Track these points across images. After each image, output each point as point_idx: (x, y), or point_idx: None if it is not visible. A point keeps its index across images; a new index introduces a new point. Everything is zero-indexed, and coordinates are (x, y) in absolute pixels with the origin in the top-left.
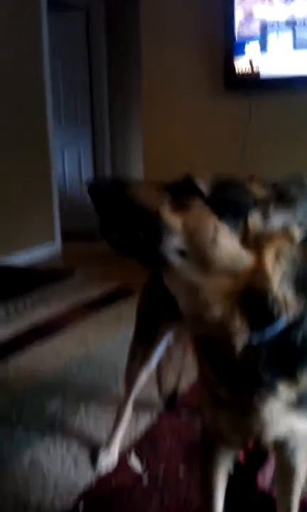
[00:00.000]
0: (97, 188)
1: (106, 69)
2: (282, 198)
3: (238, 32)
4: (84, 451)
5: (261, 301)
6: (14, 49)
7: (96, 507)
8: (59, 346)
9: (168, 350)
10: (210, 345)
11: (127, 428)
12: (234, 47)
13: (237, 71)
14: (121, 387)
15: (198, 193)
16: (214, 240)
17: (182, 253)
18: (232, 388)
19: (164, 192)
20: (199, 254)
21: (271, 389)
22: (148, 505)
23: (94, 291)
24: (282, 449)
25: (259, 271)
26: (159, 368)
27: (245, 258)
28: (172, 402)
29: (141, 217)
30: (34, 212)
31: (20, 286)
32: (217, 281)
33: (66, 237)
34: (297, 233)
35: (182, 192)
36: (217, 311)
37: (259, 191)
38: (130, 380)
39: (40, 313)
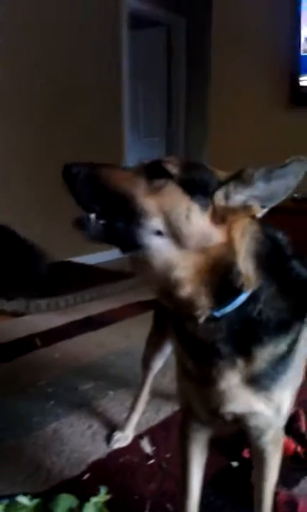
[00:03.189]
0: (70, 171)
1: (185, 84)
2: (240, 178)
3: (304, 49)
4: (103, 430)
5: (226, 273)
6: (95, 64)
7: (100, 477)
8: (104, 338)
9: None
10: (178, 319)
11: (147, 415)
12: (300, 63)
13: (301, 85)
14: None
15: (168, 175)
16: (188, 219)
17: (158, 233)
18: (198, 361)
19: (137, 176)
20: (175, 232)
21: (228, 363)
22: (148, 483)
23: (148, 293)
24: (250, 433)
25: (227, 245)
26: None
27: (215, 235)
28: None
29: (118, 202)
30: None
31: (82, 283)
32: (190, 257)
33: None
34: (257, 211)
35: (154, 175)
36: (187, 288)
37: (220, 173)
38: (146, 365)
39: (95, 307)
